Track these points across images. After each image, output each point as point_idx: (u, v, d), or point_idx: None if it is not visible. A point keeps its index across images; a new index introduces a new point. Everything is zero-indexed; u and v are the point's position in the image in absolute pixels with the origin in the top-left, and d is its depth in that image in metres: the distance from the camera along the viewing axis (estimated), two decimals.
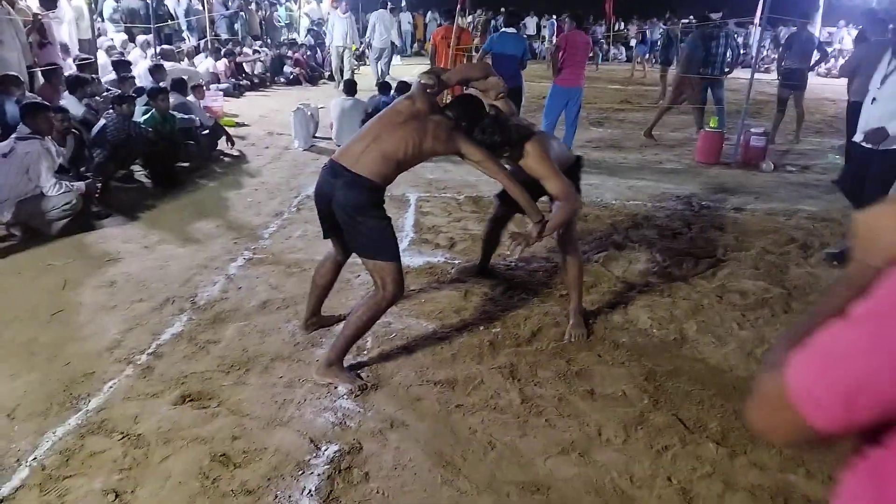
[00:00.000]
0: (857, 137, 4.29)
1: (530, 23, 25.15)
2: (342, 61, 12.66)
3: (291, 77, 13.59)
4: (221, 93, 9.82)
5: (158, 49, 9.86)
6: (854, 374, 0.71)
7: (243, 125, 9.07)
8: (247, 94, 11.89)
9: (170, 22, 12.80)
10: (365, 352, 3.21)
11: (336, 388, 2.88)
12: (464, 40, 7.81)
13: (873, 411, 0.72)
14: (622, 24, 26.62)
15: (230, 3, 14.17)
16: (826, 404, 0.73)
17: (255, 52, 13.34)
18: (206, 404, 2.75)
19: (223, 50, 12.17)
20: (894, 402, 0.70)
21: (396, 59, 16.57)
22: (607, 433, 2.65)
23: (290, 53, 14.06)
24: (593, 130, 9.74)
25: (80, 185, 4.62)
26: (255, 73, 13.05)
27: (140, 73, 8.85)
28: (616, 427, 2.68)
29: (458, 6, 7.91)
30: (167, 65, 9.54)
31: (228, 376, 2.96)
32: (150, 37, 11.18)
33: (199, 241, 4.67)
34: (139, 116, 6.20)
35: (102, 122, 5.71)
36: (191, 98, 7.62)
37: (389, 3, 15.58)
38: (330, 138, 7.94)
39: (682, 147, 8.59)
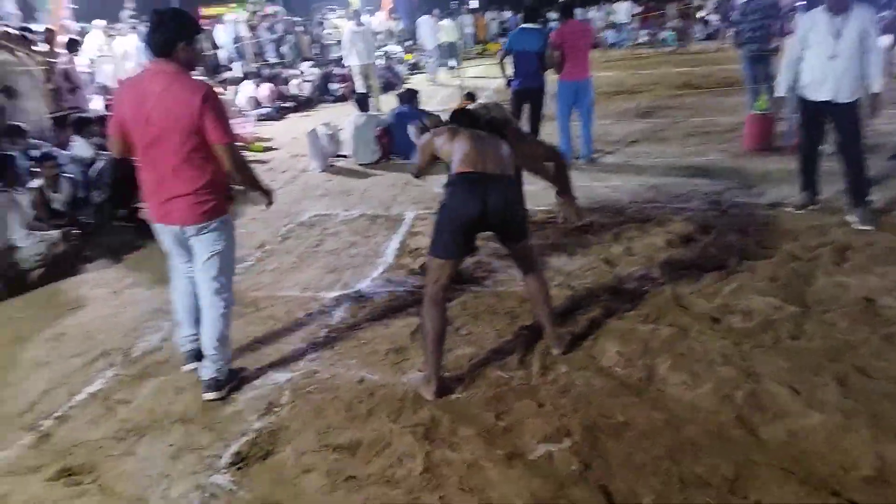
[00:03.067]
0: (822, 96, 4.42)
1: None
2: (367, 79, 11.00)
3: (339, 94, 13.59)
4: (252, 119, 9.90)
5: None
6: None
7: (272, 149, 9.07)
8: (289, 116, 11.97)
9: (215, 52, 13.14)
10: (277, 409, 2.90)
11: (219, 458, 2.59)
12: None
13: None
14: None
15: (276, 28, 14.40)
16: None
17: (301, 73, 13.44)
18: (80, 479, 2.54)
19: (265, 75, 12.32)
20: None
21: (452, 62, 16.46)
22: None
23: (335, 70, 14.07)
24: (637, 123, 8.99)
25: (54, 234, 4.63)
26: (304, 93, 13.13)
27: None
28: None
29: None
30: None
31: (120, 444, 2.74)
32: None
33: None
34: None
35: (101, 164, 5.78)
36: None
37: (437, 10, 15.59)
38: (346, 155, 7.76)
39: (735, 132, 7.67)
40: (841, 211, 4.63)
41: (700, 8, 24.39)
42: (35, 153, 5.82)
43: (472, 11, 24.92)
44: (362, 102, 7.66)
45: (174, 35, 2.71)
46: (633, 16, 22.35)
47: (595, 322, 3.44)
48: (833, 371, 2.81)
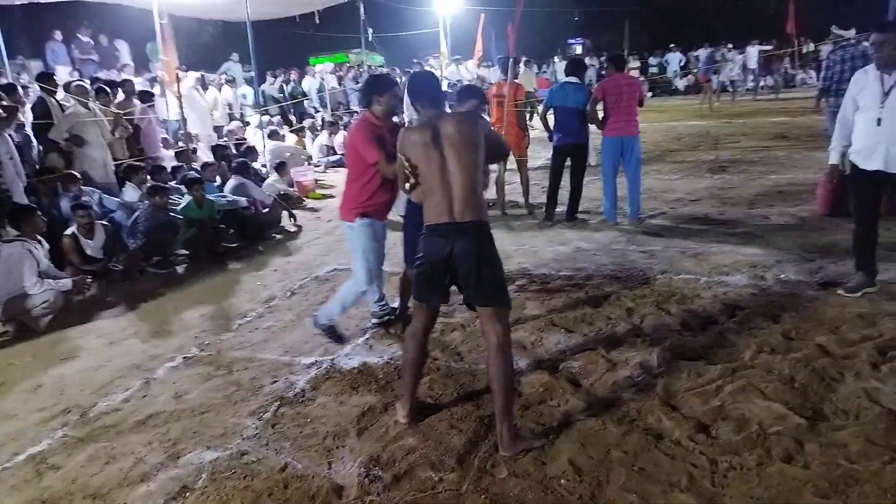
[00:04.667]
0: (872, 165, 3.88)
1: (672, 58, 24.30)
2: None
3: None
4: (311, 167, 10.19)
5: (268, 130, 10.47)
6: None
7: (330, 197, 9.21)
8: None
9: (302, 99, 13.72)
10: (187, 494, 2.73)
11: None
12: (518, 95, 7.04)
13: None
14: (811, 45, 23.60)
15: (361, 77, 14.86)
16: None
17: None
18: None
19: (344, 123, 12.69)
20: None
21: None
22: None
23: None
24: (706, 179, 8.35)
25: (66, 282, 4.80)
26: None
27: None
28: None
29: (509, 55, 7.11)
30: (270, 143, 10.11)
31: None
32: (274, 118, 12.05)
33: (167, 333, 4.57)
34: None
35: (138, 212, 6.02)
36: (274, 181, 7.87)
37: (523, 57, 15.42)
38: None
39: (814, 194, 6.90)
40: None
41: (817, 52, 22.90)
42: (86, 200, 6.16)
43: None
44: None
45: (369, 92, 3.75)
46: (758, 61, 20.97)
47: (565, 417, 3.04)
48: None
